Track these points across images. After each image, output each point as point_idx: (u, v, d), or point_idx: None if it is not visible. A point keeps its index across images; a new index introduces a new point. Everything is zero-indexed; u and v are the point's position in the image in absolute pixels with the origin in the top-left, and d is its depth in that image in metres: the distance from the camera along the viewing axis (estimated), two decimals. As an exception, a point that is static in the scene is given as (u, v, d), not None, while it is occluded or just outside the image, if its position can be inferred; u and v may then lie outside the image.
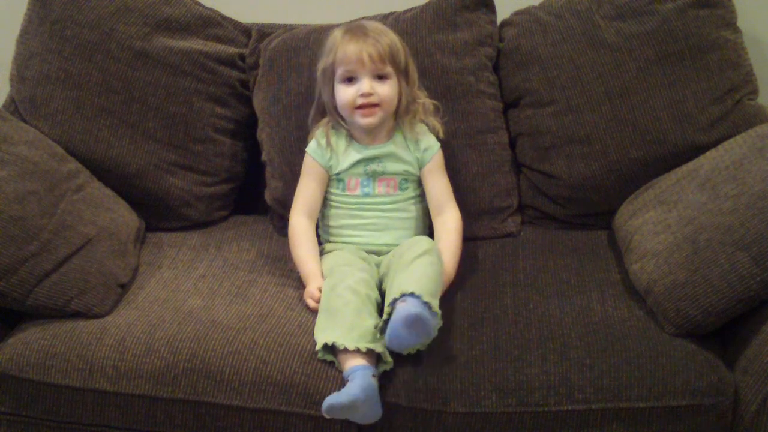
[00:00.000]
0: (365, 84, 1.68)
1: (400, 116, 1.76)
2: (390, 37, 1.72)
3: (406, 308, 1.44)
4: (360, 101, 1.68)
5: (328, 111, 1.77)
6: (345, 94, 1.70)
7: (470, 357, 1.52)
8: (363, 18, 1.90)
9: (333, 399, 1.42)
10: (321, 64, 1.75)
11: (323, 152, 1.76)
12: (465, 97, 1.89)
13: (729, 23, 1.89)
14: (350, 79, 1.70)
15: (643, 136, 1.85)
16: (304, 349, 1.53)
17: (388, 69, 1.70)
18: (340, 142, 1.77)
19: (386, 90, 1.70)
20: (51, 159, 1.77)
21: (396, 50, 1.71)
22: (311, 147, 1.78)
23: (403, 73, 1.73)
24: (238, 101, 2.01)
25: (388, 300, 1.52)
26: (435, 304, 1.49)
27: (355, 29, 1.72)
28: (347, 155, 1.76)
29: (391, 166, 1.75)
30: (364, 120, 1.71)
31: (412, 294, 1.47)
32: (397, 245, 1.73)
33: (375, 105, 1.69)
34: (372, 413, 1.45)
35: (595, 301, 1.63)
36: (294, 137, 1.89)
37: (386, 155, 1.75)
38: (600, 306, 1.62)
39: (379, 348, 1.49)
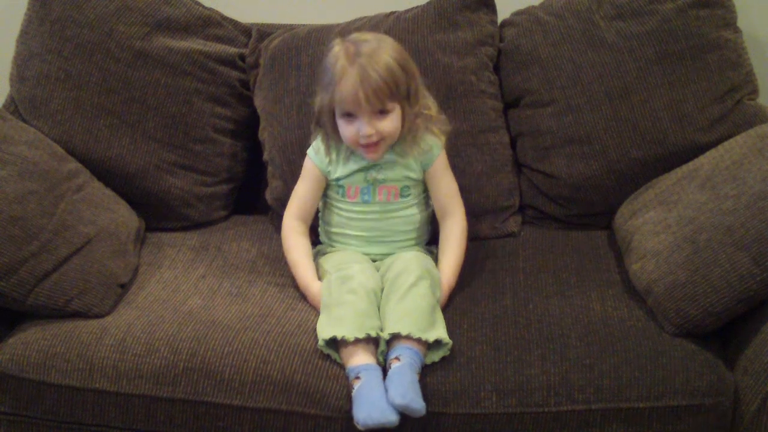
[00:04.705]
0: (365, 127, 1.61)
1: (402, 134, 1.68)
2: (385, 63, 1.59)
3: (397, 387, 1.43)
4: (362, 141, 1.63)
5: (328, 132, 1.70)
6: (347, 131, 1.64)
7: (470, 357, 1.52)
8: (363, 17, 1.87)
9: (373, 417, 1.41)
10: (318, 99, 1.67)
11: (322, 158, 1.73)
12: (467, 97, 1.89)
13: (729, 23, 1.89)
14: (350, 115, 1.63)
15: (643, 136, 1.85)
16: (304, 349, 1.53)
17: (388, 105, 1.62)
18: (340, 152, 1.72)
19: (388, 125, 1.63)
20: (51, 159, 1.77)
21: (394, 79, 1.60)
22: (312, 150, 1.75)
23: (405, 98, 1.64)
24: (238, 101, 2.01)
25: (385, 327, 1.53)
26: (431, 335, 1.50)
27: (351, 56, 1.60)
28: (347, 164, 1.71)
29: (392, 174, 1.71)
30: (368, 156, 1.67)
31: (407, 347, 1.48)
32: (394, 254, 1.72)
33: (377, 142, 1.64)
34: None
35: (595, 301, 1.63)
36: (295, 136, 1.89)
37: (386, 163, 1.71)
38: (600, 306, 1.62)
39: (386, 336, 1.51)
